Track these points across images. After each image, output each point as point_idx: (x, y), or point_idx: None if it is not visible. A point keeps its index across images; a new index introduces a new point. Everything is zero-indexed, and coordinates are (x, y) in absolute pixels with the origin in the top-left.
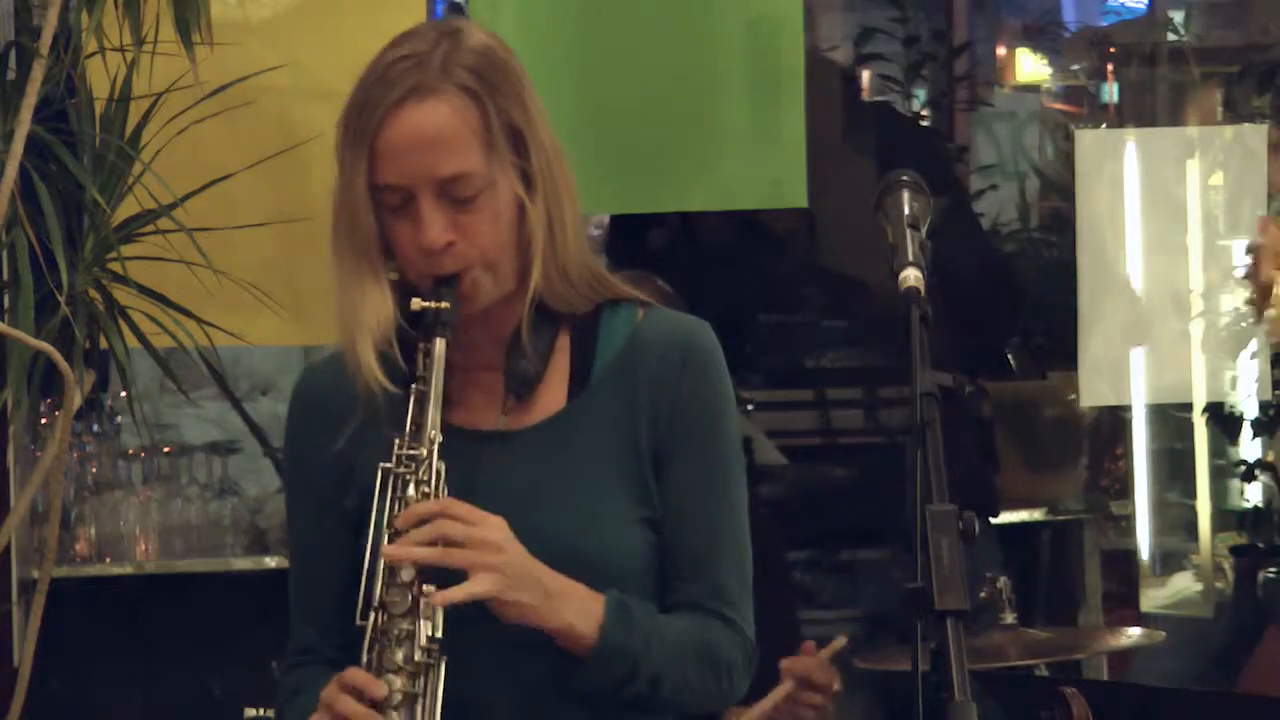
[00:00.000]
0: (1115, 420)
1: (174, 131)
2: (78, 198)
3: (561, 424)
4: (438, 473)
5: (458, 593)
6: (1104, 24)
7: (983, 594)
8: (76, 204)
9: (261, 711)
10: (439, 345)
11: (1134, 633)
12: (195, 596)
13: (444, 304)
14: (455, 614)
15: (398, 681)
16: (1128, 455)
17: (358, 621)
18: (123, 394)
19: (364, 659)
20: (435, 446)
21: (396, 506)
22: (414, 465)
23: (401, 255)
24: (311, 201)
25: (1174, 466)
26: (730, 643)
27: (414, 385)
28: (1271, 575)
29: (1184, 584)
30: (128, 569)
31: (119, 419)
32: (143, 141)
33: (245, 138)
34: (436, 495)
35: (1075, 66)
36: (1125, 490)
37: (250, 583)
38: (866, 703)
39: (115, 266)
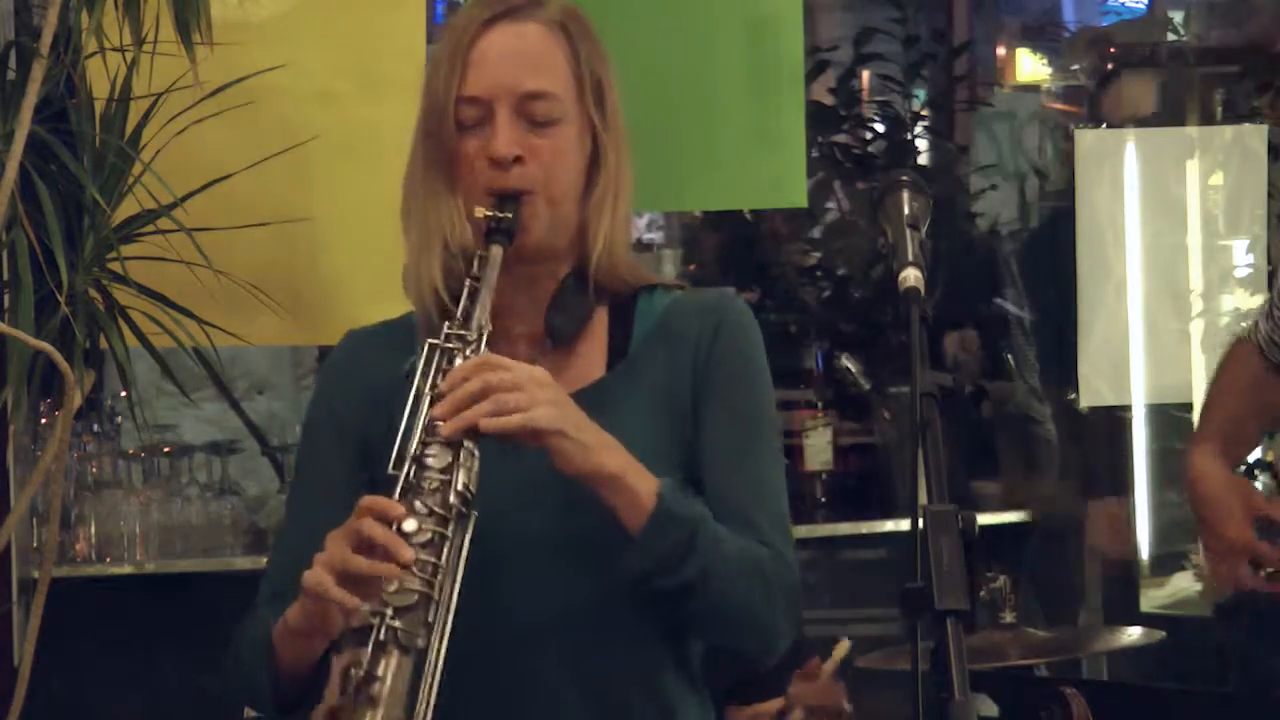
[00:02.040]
0: (1115, 420)
1: (174, 131)
2: (78, 198)
3: (601, 391)
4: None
5: (515, 420)
6: (1104, 24)
7: (982, 593)
8: (76, 204)
9: None
10: (495, 251)
11: (1134, 633)
12: (195, 596)
13: (505, 214)
14: (495, 515)
15: (428, 523)
16: (1128, 455)
17: (389, 471)
18: (122, 394)
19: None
20: (484, 333)
21: (440, 378)
22: (461, 345)
23: (468, 173)
24: (311, 201)
25: (1174, 466)
26: (778, 569)
27: (468, 281)
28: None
29: (1184, 584)
30: (128, 569)
31: (119, 419)
32: (143, 141)
33: (245, 138)
34: None
35: (1075, 66)
36: (1125, 490)
37: (250, 583)
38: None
39: (115, 266)
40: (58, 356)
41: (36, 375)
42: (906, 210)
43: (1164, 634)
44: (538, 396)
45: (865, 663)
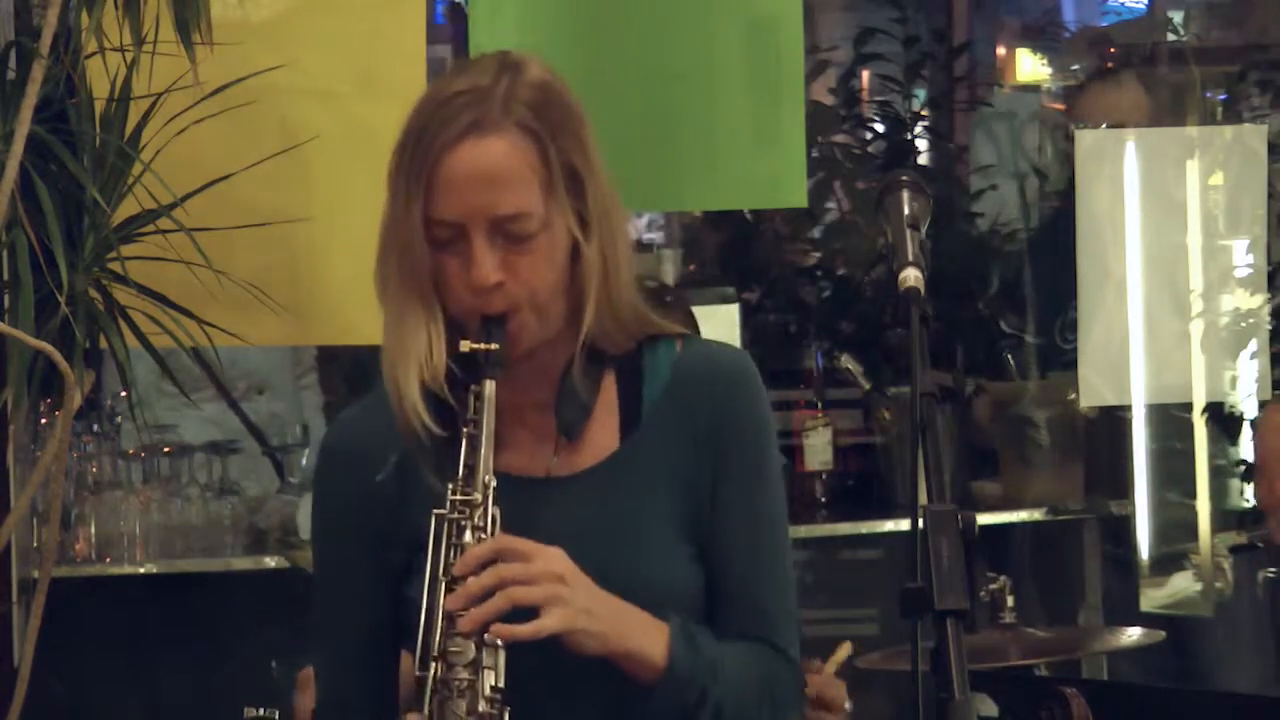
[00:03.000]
0: (1115, 420)
1: (174, 131)
2: (78, 198)
3: (616, 467)
4: (493, 518)
5: (526, 630)
6: (1104, 24)
7: (982, 593)
8: (76, 204)
9: (261, 712)
10: (489, 387)
11: (1134, 633)
12: (195, 596)
13: (493, 346)
14: (511, 655)
15: None
16: (1128, 455)
17: (416, 673)
18: (122, 394)
19: (424, 711)
20: (490, 491)
21: (453, 553)
22: (468, 510)
23: (448, 292)
24: (311, 201)
25: (1174, 466)
26: (785, 675)
27: (465, 429)
28: (1271, 575)
29: (1184, 584)
30: (127, 569)
31: (119, 419)
32: (143, 141)
33: (245, 138)
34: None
35: (1075, 66)
36: (1125, 490)
37: (250, 583)
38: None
39: (115, 266)
40: (58, 356)
41: (36, 375)
42: (906, 210)
43: (1164, 634)
44: (552, 593)
45: (865, 663)
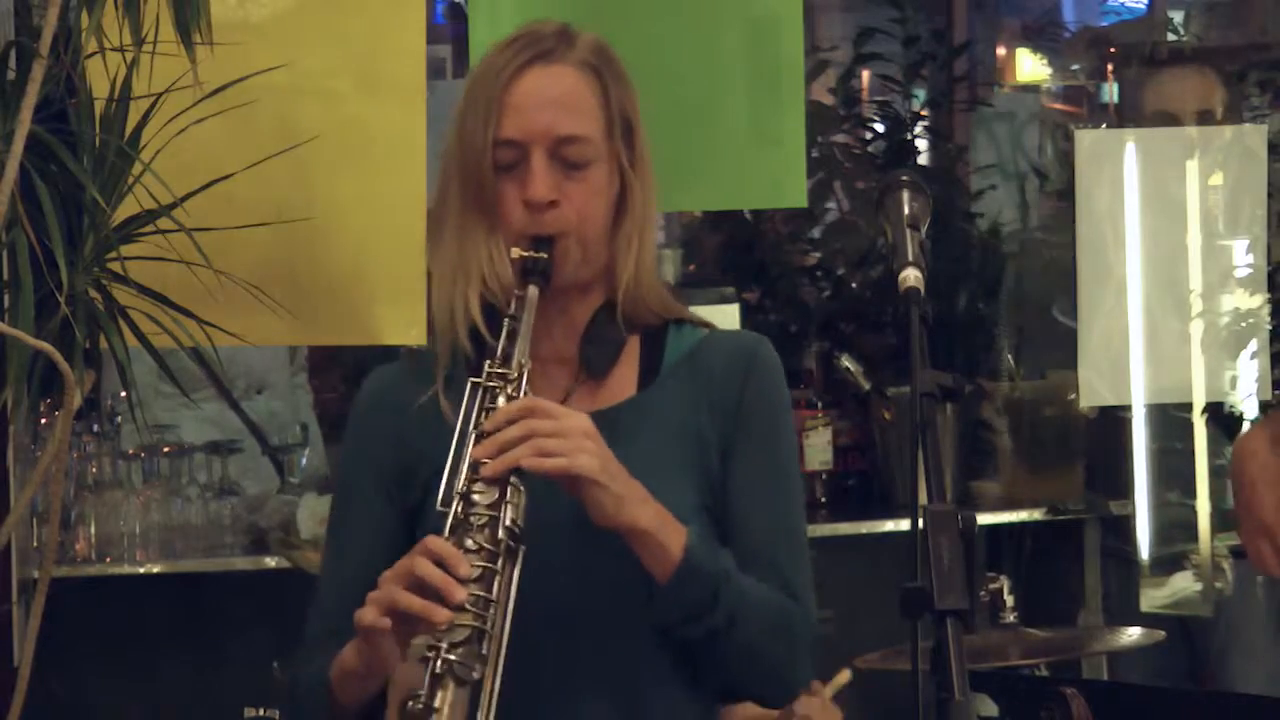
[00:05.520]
0: (1115, 420)
1: (174, 131)
2: (78, 198)
3: (629, 410)
4: (525, 392)
5: (557, 463)
6: (1104, 24)
7: (982, 593)
8: (76, 204)
9: (262, 712)
10: (532, 292)
11: (1134, 633)
12: (195, 596)
13: (541, 254)
14: (536, 562)
15: (477, 559)
16: (1128, 455)
17: (438, 508)
18: (122, 394)
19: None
20: (525, 371)
21: (484, 415)
22: (503, 383)
23: (503, 218)
24: (311, 201)
25: (1174, 466)
26: (799, 619)
27: (506, 320)
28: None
29: (1184, 584)
30: (127, 569)
31: (119, 419)
32: (143, 141)
33: (245, 138)
34: None
35: (1075, 66)
36: (1125, 490)
37: (250, 583)
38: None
39: (115, 266)
40: (58, 356)
41: (36, 375)
42: (906, 210)
43: (1164, 634)
44: (580, 446)
45: (865, 663)
